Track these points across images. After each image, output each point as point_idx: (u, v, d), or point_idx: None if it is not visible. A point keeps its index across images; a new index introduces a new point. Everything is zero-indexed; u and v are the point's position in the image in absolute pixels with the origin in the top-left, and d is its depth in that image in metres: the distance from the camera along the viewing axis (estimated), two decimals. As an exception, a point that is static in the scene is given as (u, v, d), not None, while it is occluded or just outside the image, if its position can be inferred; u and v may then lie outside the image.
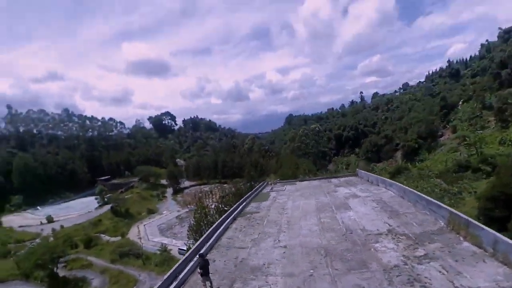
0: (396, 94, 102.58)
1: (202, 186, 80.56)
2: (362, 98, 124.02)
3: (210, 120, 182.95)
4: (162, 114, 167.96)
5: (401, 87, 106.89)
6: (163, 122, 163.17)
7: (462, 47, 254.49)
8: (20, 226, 54.20)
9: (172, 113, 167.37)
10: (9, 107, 67.47)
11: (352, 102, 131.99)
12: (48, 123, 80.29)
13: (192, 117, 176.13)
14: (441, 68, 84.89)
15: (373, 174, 23.90)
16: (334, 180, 25.32)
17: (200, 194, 60.33)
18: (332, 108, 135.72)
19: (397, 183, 17.23)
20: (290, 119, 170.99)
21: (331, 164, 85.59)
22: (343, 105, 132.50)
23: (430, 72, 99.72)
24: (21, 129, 64.01)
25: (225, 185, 67.56)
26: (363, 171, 26.03)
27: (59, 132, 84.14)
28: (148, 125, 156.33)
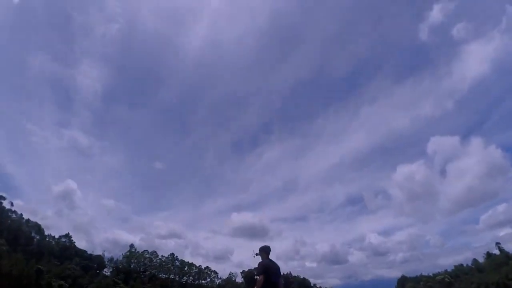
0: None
1: None
2: (501, 249, 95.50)
3: (304, 278, 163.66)
4: (255, 268, 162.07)
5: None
6: (255, 277, 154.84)
7: None
8: None
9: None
10: (131, 246, 79.43)
11: (489, 255, 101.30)
12: (155, 264, 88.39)
13: (285, 273, 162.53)
14: None
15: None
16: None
17: None
18: (462, 264, 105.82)
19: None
20: (403, 282, 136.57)
21: None
22: (475, 260, 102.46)
23: None
24: (132, 265, 71.51)
25: None
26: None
27: (160, 274, 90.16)
28: (239, 279, 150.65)
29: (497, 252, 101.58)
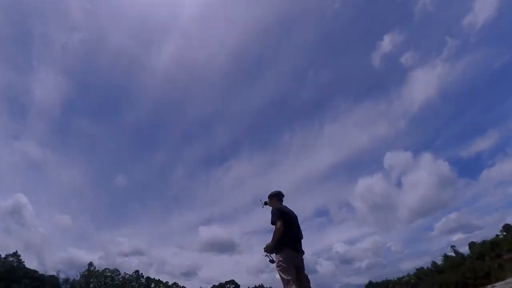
0: (500, 237, 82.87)
1: None
2: (456, 251, 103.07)
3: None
4: (227, 282, 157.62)
5: (501, 229, 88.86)
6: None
7: None
8: None
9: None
10: (90, 264, 73.40)
11: (446, 257, 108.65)
12: (117, 282, 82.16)
13: (257, 285, 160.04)
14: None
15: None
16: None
17: None
18: (422, 267, 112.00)
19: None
20: (371, 287, 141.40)
21: None
22: (434, 262, 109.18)
23: None
24: (91, 285, 66.16)
25: None
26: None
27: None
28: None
29: (453, 254, 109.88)
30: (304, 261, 3.97)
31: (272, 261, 3.90)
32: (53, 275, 62.02)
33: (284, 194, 4.45)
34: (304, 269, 3.93)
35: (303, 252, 3.99)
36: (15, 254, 56.08)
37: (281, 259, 3.75)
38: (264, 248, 3.90)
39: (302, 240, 4.10)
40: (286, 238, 3.79)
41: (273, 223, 3.90)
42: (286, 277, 3.62)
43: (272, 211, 4.06)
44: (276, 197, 4.41)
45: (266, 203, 4.42)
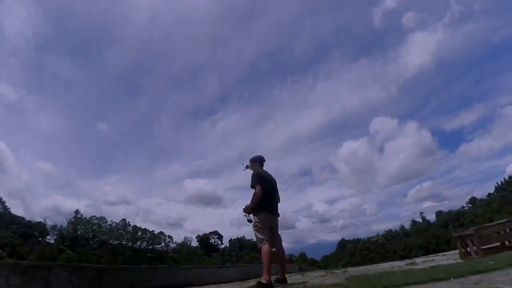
0: (465, 209, 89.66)
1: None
2: (423, 218, 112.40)
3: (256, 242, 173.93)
4: (211, 232, 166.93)
5: (468, 201, 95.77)
6: (210, 241, 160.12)
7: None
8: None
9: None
10: (77, 212, 74.72)
11: (414, 222, 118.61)
12: (104, 230, 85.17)
13: (239, 237, 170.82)
14: (510, 177, 75.14)
15: None
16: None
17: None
18: (391, 230, 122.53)
19: None
20: (343, 244, 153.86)
21: None
22: (402, 226, 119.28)
23: (493, 190, 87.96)
24: (79, 232, 68.08)
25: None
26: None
27: (111, 240, 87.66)
28: (195, 243, 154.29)
29: (420, 220, 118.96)
30: (280, 221, 4.47)
31: (249, 221, 4.26)
32: (40, 222, 63.49)
33: (265, 159, 4.63)
34: (277, 230, 4.38)
35: (278, 215, 4.41)
36: (0, 201, 56.43)
37: (257, 220, 4.08)
38: (243, 209, 4.19)
39: (278, 204, 4.47)
40: (264, 202, 4.09)
41: (252, 187, 4.16)
42: (260, 236, 3.99)
43: (252, 175, 4.31)
44: (257, 162, 4.57)
45: (247, 167, 4.59)
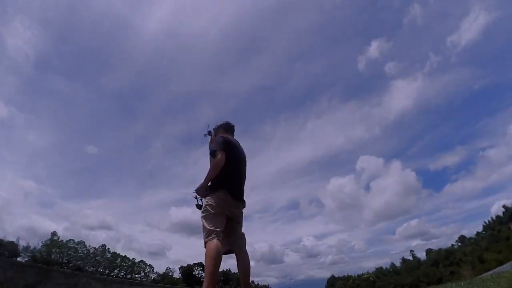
0: (455, 247, 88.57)
1: None
2: (414, 255, 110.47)
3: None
4: (195, 264, 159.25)
5: (457, 240, 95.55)
6: (194, 272, 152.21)
7: (507, 202, 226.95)
8: None
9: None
10: (54, 234, 71.28)
11: (404, 260, 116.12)
12: (81, 255, 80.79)
13: (224, 269, 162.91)
14: (498, 216, 75.53)
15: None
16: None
17: None
18: (381, 267, 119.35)
19: None
20: (333, 282, 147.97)
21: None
22: (393, 264, 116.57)
23: (481, 229, 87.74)
24: (53, 256, 64.65)
25: None
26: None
27: (87, 266, 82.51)
28: (177, 274, 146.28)
29: (410, 258, 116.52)
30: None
31: (199, 207, 2.76)
32: (12, 241, 59.94)
33: (234, 128, 3.33)
34: (241, 225, 2.91)
35: (244, 202, 2.93)
36: (-29, 216, 53.60)
37: (210, 202, 2.65)
38: (195, 190, 2.80)
39: (244, 187, 3.01)
40: (226, 176, 2.71)
41: (212, 153, 2.79)
42: (208, 226, 2.53)
43: (215, 138, 3.03)
44: (222, 128, 3.26)
45: (209, 133, 3.29)
